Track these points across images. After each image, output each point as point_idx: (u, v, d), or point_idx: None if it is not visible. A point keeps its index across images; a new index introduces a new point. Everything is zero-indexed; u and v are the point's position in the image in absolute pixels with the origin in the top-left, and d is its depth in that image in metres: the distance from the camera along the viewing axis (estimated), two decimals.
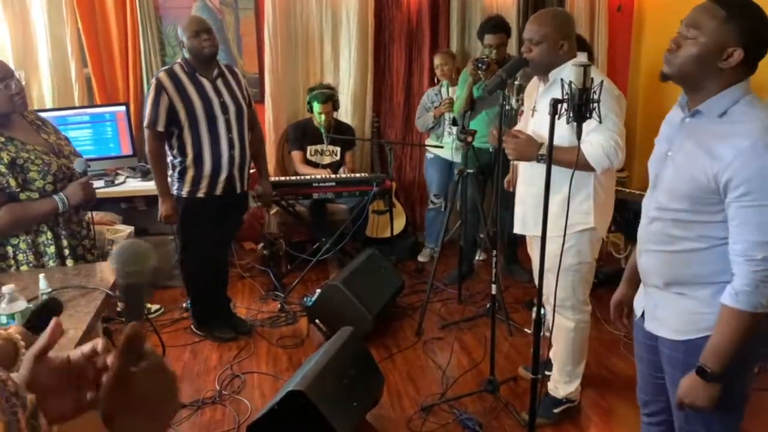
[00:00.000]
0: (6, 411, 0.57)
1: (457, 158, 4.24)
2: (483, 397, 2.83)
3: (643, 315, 1.77)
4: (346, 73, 4.64)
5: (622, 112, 2.32)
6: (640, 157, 4.51)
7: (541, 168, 2.10)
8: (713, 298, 1.53)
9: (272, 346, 3.38)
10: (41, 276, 1.88)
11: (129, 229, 3.66)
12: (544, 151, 2.10)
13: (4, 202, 2.15)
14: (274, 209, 4.25)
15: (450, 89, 4.24)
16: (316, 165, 4.39)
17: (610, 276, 3.72)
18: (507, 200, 3.14)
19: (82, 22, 4.10)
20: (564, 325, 2.60)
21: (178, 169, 3.14)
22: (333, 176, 4.21)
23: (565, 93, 1.76)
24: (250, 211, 3.87)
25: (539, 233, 1.98)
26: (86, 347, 0.85)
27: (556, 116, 1.82)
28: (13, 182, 2.15)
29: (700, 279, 1.57)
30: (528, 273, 3.99)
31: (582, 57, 2.35)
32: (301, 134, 4.38)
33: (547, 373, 2.73)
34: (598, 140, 2.24)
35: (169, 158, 3.15)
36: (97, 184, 3.24)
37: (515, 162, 2.47)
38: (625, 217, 3.59)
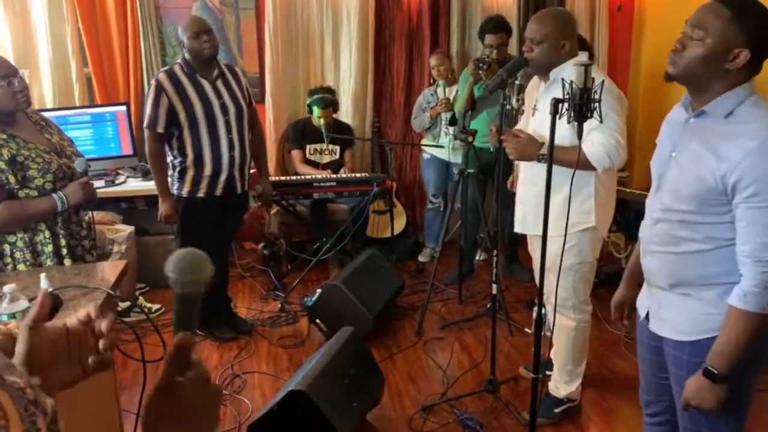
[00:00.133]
0: (25, 419, 0.57)
1: (455, 158, 4.26)
2: (483, 397, 2.83)
3: (647, 316, 1.77)
4: (347, 73, 4.64)
5: (623, 111, 2.32)
6: (641, 157, 4.51)
7: (541, 167, 2.10)
8: (719, 299, 1.52)
9: (273, 345, 3.38)
10: (42, 276, 1.88)
11: (129, 228, 3.65)
12: (545, 150, 2.10)
13: (3, 198, 2.16)
14: (275, 209, 4.25)
15: (446, 89, 4.24)
16: (315, 164, 4.39)
17: (610, 276, 3.72)
18: (507, 200, 3.14)
19: (82, 21, 4.10)
20: (565, 324, 2.60)
21: (178, 169, 3.13)
22: (333, 176, 4.21)
23: (566, 92, 1.76)
24: (250, 211, 3.87)
25: (540, 233, 1.98)
26: (81, 313, 0.88)
27: (557, 116, 1.81)
28: (12, 179, 2.16)
29: (706, 280, 1.56)
30: (528, 272, 3.99)
31: (583, 56, 2.35)
32: (301, 133, 4.38)
33: (547, 372, 2.73)
34: (599, 139, 2.23)
35: (169, 158, 3.15)
36: (98, 183, 3.24)
37: (516, 162, 2.47)
38: (625, 217, 3.59)
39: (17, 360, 0.83)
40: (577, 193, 2.28)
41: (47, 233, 2.28)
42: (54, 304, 1.69)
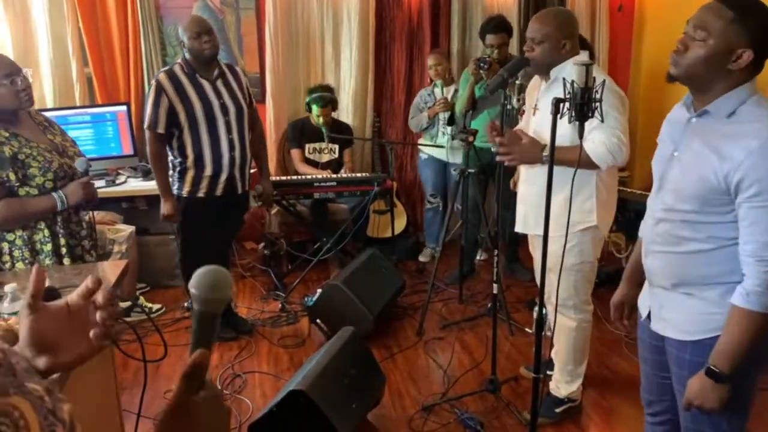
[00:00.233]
0: (45, 429, 0.56)
1: (452, 158, 4.27)
2: (484, 397, 2.83)
3: (648, 315, 1.77)
4: (347, 73, 4.64)
5: (625, 110, 2.32)
6: (641, 156, 4.51)
7: (543, 167, 2.10)
8: (722, 298, 1.52)
9: (273, 345, 3.38)
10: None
11: (130, 228, 3.66)
12: (548, 152, 2.10)
13: (3, 196, 2.16)
14: (275, 209, 4.25)
15: (444, 89, 4.23)
16: (315, 163, 4.39)
17: (611, 276, 3.72)
18: (508, 200, 3.13)
19: (83, 21, 4.10)
20: (566, 324, 2.59)
21: (178, 169, 3.13)
22: (334, 176, 4.21)
23: (567, 92, 1.76)
24: (251, 211, 3.87)
25: (541, 232, 1.98)
26: (80, 288, 0.87)
27: (558, 115, 1.81)
28: (12, 176, 2.16)
29: (709, 279, 1.56)
30: (529, 272, 3.99)
31: (584, 56, 2.35)
32: (300, 133, 4.39)
33: (548, 372, 2.73)
34: (600, 138, 2.23)
35: (170, 158, 3.15)
36: (98, 183, 3.24)
37: (522, 133, 2.46)
38: (626, 216, 3.59)
39: (22, 342, 0.82)
40: (578, 192, 2.27)
41: (46, 232, 2.28)
42: (52, 297, 1.69)
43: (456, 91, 4.27)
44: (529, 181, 2.51)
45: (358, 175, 4.30)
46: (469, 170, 3.58)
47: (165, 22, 4.32)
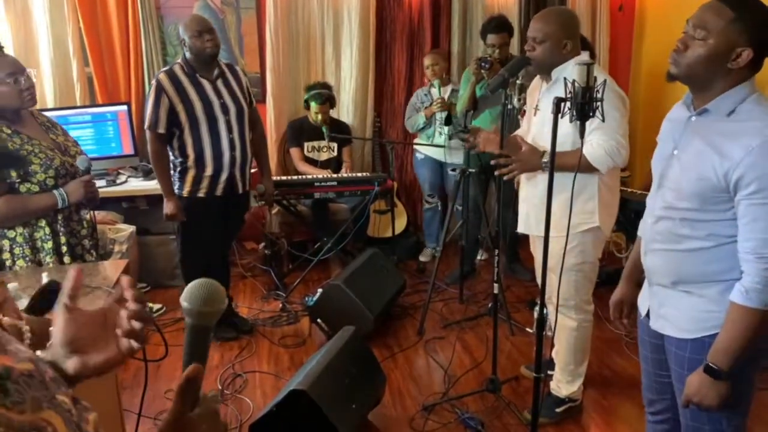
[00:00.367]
0: None
1: (450, 158, 4.27)
2: (485, 397, 2.83)
3: (648, 314, 1.77)
4: (348, 73, 4.64)
5: (625, 110, 2.32)
6: (642, 156, 4.51)
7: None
8: (721, 296, 1.53)
9: (274, 345, 3.38)
10: (44, 275, 1.88)
11: (130, 228, 3.66)
12: (547, 158, 2.10)
13: (3, 193, 2.16)
14: (276, 209, 4.26)
15: (441, 89, 4.23)
16: (313, 161, 4.40)
17: (611, 275, 3.72)
18: (509, 199, 3.14)
19: (83, 21, 4.10)
20: (566, 324, 2.59)
21: (179, 169, 3.13)
22: (334, 176, 4.22)
23: (568, 92, 1.76)
24: (251, 211, 3.87)
25: (543, 233, 1.98)
26: (117, 292, 0.87)
27: (559, 115, 1.81)
28: (14, 173, 2.17)
29: (708, 277, 1.57)
30: (530, 272, 3.99)
31: (585, 56, 2.35)
32: (298, 132, 4.40)
33: (549, 372, 2.72)
34: (599, 141, 2.24)
35: (170, 158, 3.15)
36: (99, 183, 3.23)
37: (522, 141, 2.46)
38: (627, 216, 3.59)
39: (56, 340, 0.82)
40: (580, 193, 2.28)
41: (47, 230, 2.29)
42: (56, 291, 1.70)
43: (453, 90, 4.27)
44: (531, 182, 2.51)
45: (359, 174, 4.30)
46: (470, 170, 3.58)
47: (165, 22, 4.32)
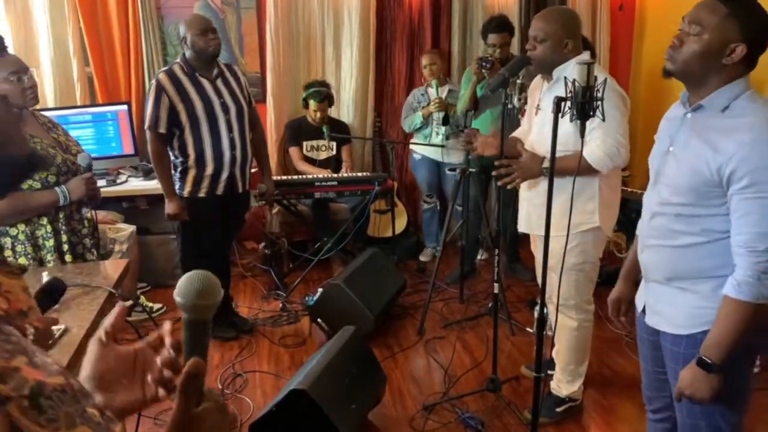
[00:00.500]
0: None
1: (447, 158, 4.27)
2: (485, 396, 2.83)
3: (644, 310, 1.78)
4: (348, 73, 4.64)
5: (626, 109, 2.33)
6: (642, 156, 4.45)
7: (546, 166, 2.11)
8: (714, 292, 1.54)
9: (274, 345, 3.38)
10: (44, 274, 1.88)
11: (131, 228, 3.66)
12: (547, 164, 2.11)
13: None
14: (276, 208, 4.26)
15: (439, 89, 4.23)
16: (312, 160, 4.40)
17: (611, 275, 3.70)
18: (509, 199, 3.13)
19: (84, 21, 4.10)
20: (567, 324, 2.59)
21: (179, 169, 3.13)
22: (335, 175, 4.22)
23: (568, 91, 1.76)
24: (251, 211, 3.87)
25: (544, 232, 1.98)
26: (152, 336, 0.84)
27: (560, 114, 1.82)
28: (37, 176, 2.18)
29: (702, 273, 1.58)
30: (530, 272, 3.99)
31: (586, 55, 2.35)
32: (297, 131, 4.40)
33: (549, 372, 2.72)
34: (597, 142, 2.25)
35: (171, 158, 3.15)
36: (99, 183, 3.24)
37: (522, 149, 2.47)
38: (627, 216, 3.59)
39: (84, 374, 0.80)
40: (580, 193, 2.28)
41: (48, 228, 2.29)
42: (58, 289, 1.70)
43: (450, 91, 4.28)
44: (532, 182, 2.52)
45: (359, 174, 4.30)
46: (470, 170, 3.58)
47: (166, 22, 4.32)
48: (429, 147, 4.31)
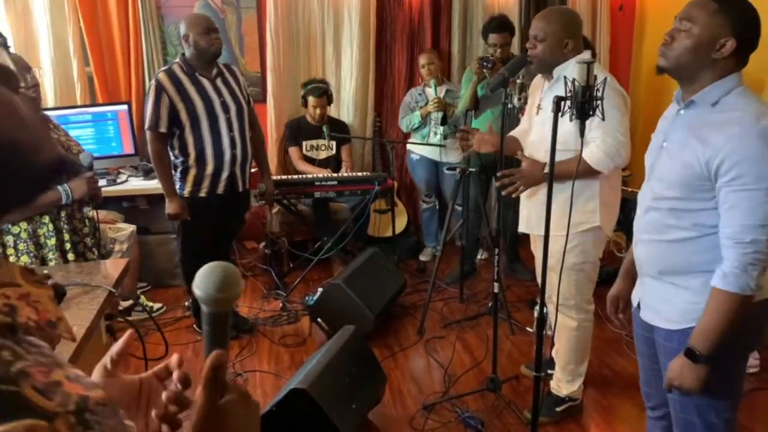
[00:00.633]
0: None
1: (445, 158, 4.27)
2: (485, 396, 2.83)
3: (639, 306, 1.81)
4: (348, 73, 4.64)
5: (626, 108, 2.33)
6: (642, 156, 4.48)
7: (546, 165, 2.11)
8: (704, 287, 1.56)
9: (274, 344, 3.38)
10: (44, 272, 1.88)
11: (131, 227, 3.66)
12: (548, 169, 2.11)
13: None
14: (276, 208, 4.26)
15: (437, 88, 4.23)
16: (312, 160, 4.41)
17: (611, 275, 3.70)
18: (509, 199, 3.12)
19: (84, 21, 4.10)
20: (567, 324, 2.59)
21: (180, 168, 3.13)
22: (335, 175, 4.22)
23: (568, 90, 1.77)
24: (252, 210, 3.87)
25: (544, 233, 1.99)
26: (159, 367, 0.82)
27: (560, 114, 1.82)
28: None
29: (693, 268, 1.61)
30: (530, 272, 3.99)
31: (586, 55, 2.35)
32: (297, 131, 4.41)
33: (549, 371, 2.73)
34: (597, 142, 2.25)
35: (171, 158, 3.15)
36: (99, 182, 3.25)
37: (521, 156, 2.47)
38: (627, 215, 3.59)
39: None
40: (581, 192, 2.29)
41: (50, 226, 2.30)
42: (58, 294, 1.70)
43: (448, 90, 4.28)
44: (533, 189, 2.51)
45: (359, 174, 4.30)
46: (470, 169, 3.58)
47: (166, 22, 4.32)
48: (427, 147, 4.31)
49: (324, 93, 4.28)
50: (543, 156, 2.32)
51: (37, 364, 0.52)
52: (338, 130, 4.34)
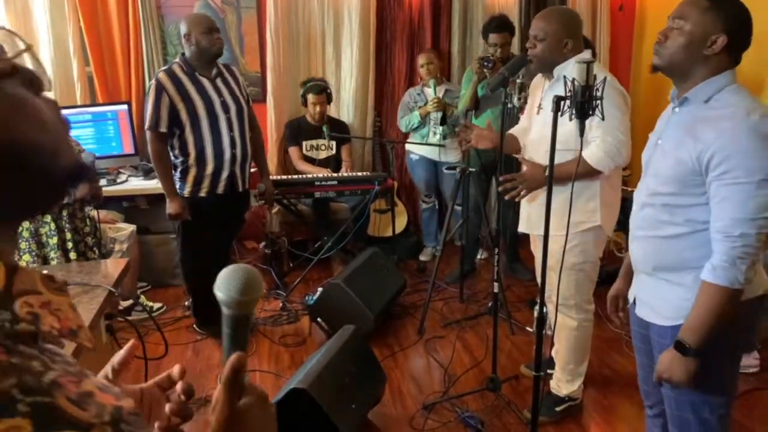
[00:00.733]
0: None
1: (445, 158, 4.27)
2: (485, 396, 2.83)
3: (635, 302, 1.82)
4: (348, 72, 4.65)
5: (627, 107, 2.34)
6: (641, 155, 4.50)
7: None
8: (695, 284, 1.58)
9: (274, 344, 3.38)
10: (44, 272, 1.88)
11: (131, 227, 3.67)
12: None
13: None
14: (276, 208, 4.26)
15: (436, 88, 4.23)
16: (312, 160, 4.41)
17: (611, 275, 3.70)
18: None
19: (84, 21, 4.10)
20: (567, 324, 2.59)
21: (180, 168, 3.14)
22: (335, 175, 4.22)
23: (567, 90, 1.77)
24: (252, 210, 3.87)
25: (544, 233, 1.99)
26: (161, 376, 0.82)
27: (559, 113, 1.82)
28: None
29: (686, 264, 1.62)
30: (530, 272, 3.99)
31: (586, 54, 2.35)
32: (296, 131, 4.41)
33: (549, 371, 2.73)
34: (597, 142, 2.25)
35: (171, 158, 3.15)
36: (100, 182, 3.25)
37: (522, 160, 2.48)
38: (627, 215, 3.59)
39: None
40: (581, 192, 2.29)
41: (52, 225, 2.31)
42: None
43: (447, 90, 4.28)
44: (534, 192, 2.51)
45: (359, 174, 4.30)
46: (470, 169, 3.58)
47: (166, 21, 4.33)
48: (426, 147, 4.31)
49: (323, 90, 4.28)
50: (543, 155, 2.31)
51: (66, 374, 0.52)
52: (338, 130, 4.34)
